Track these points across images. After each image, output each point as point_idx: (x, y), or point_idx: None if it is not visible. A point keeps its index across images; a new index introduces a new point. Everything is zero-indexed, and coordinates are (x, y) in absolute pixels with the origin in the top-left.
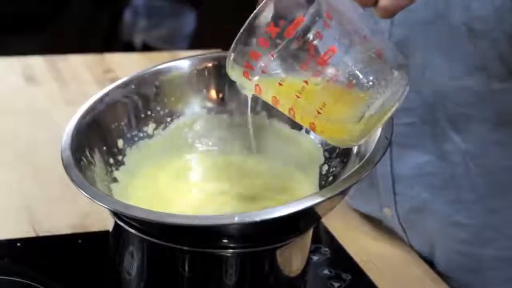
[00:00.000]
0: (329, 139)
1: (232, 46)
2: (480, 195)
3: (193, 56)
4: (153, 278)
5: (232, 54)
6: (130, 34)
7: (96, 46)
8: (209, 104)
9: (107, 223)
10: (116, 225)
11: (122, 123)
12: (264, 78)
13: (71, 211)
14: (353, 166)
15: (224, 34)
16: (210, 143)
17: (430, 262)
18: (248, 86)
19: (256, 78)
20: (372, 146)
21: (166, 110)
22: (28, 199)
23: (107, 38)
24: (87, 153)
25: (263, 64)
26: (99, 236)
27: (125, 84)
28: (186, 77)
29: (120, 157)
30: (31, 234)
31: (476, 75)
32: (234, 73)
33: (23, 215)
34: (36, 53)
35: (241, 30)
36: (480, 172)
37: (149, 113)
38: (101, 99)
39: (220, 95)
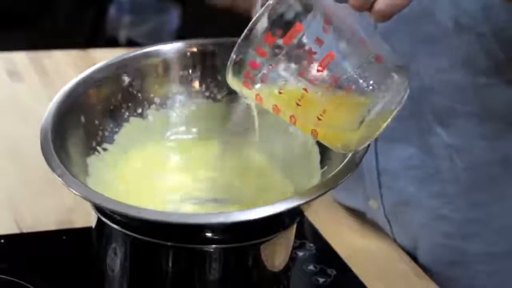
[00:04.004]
0: (331, 145)
1: (231, 56)
2: (465, 189)
3: (176, 41)
4: (137, 274)
5: (231, 65)
6: (115, 30)
7: (80, 42)
8: (193, 90)
9: (91, 219)
10: (99, 221)
11: (102, 110)
12: (264, 87)
13: (56, 207)
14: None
15: (209, 31)
16: (194, 130)
17: (414, 256)
18: (249, 96)
19: (256, 87)
20: None
21: (148, 96)
22: (12, 195)
23: (92, 34)
24: (67, 142)
25: (262, 73)
26: (84, 232)
27: (103, 70)
28: (169, 61)
29: (100, 145)
30: (15, 230)
31: (462, 69)
32: (234, 83)
33: (7, 212)
34: (20, 49)
35: (239, 40)
36: (465, 166)
37: (130, 99)
38: (78, 85)
39: (204, 81)
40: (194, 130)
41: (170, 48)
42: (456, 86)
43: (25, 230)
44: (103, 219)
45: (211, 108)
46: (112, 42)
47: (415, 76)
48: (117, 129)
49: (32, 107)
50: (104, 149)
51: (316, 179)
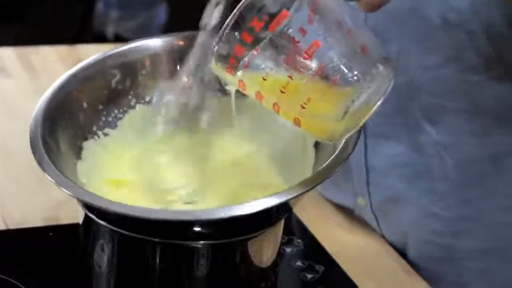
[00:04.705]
0: (314, 134)
1: (216, 41)
2: (455, 186)
3: (163, 35)
4: (124, 270)
5: (216, 50)
6: (103, 26)
7: (68, 38)
8: (180, 84)
9: (78, 215)
10: (86, 217)
11: (89, 106)
12: (248, 73)
13: (43, 204)
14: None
15: (196, 26)
16: (181, 124)
17: (402, 253)
18: (231, 82)
19: (239, 73)
20: None
21: (135, 90)
22: None
23: (80, 30)
24: (55, 139)
25: (246, 59)
26: (71, 229)
27: (91, 66)
28: (155, 56)
29: (79, 155)
30: (2, 227)
31: (451, 66)
32: (217, 68)
33: None
34: (8, 45)
35: (225, 25)
36: (455, 163)
37: (117, 93)
38: (65, 83)
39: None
40: (182, 124)
41: (156, 43)
42: (445, 83)
43: (11, 227)
44: (90, 215)
45: (200, 102)
46: (100, 38)
47: (404, 73)
48: (101, 128)
49: (19, 103)
50: (105, 134)
51: (308, 174)
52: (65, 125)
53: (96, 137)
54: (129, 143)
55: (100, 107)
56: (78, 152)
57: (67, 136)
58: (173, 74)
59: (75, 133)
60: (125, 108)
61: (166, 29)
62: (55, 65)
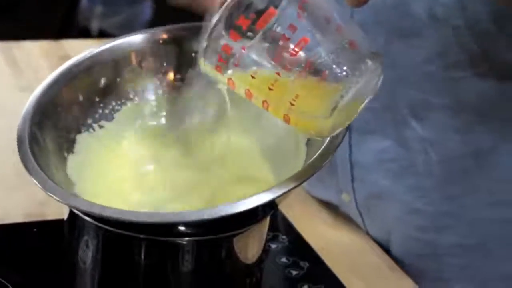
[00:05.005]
0: (303, 131)
1: (204, 40)
2: (439, 182)
3: (146, 30)
4: (109, 266)
5: (204, 49)
6: (87, 21)
7: (52, 33)
8: (167, 79)
9: (63, 211)
10: (71, 213)
11: (85, 98)
12: (237, 72)
13: (26, 199)
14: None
15: (180, 22)
16: (167, 120)
17: (386, 249)
18: (221, 80)
19: (228, 72)
20: None
21: (115, 90)
22: None
23: (64, 25)
24: (42, 138)
25: (235, 58)
26: (55, 225)
27: (76, 65)
28: (140, 51)
29: (73, 142)
30: None
31: (436, 62)
32: (207, 67)
33: None
34: None
35: (212, 24)
36: (439, 159)
37: (95, 97)
38: (52, 83)
39: (178, 70)
40: (169, 120)
41: (140, 38)
42: (431, 79)
43: None
44: (75, 211)
45: (187, 96)
46: (84, 33)
47: (390, 69)
48: (87, 126)
49: (2, 99)
50: (101, 126)
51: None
52: (58, 118)
53: (91, 130)
54: (123, 136)
55: (97, 99)
56: (70, 146)
57: (59, 129)
58: (166, 67)
59: (68, 126)
60: (123, 100)
61: (151, 25)
62: (39, 60)
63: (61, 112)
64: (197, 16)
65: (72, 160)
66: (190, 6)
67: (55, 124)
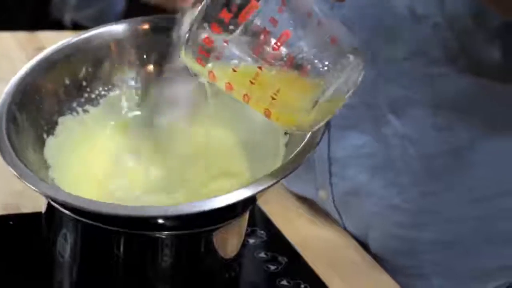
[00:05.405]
0: (284, 125)
1: (186, 33)
2: (417, 178)
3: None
4: (87, 260)
5: (186, 41)
6: (60, 13)
7: (24, 25)
8: (147, 70)
9: (40, 204)
10: (49, 206)
11: (72, 82)
12: (218, 65)
13: (3, 191)
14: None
15: (154, 14)
16: (149, 111)
17: (364, 245)
18: (201, 72)
19: (210, 64)
20: None
21: (101, 77)
22: None
23: (36, 17)
24: (21, 117)
25: (216, 50)
26: (32, 217)
27: (62, 50)
28: (120, 41)
29: (55, 123)
30: None
31: (416, 59)
32: (188, 60)
33: None
34: None
35: (194, 17)
36: (417, 156)
37: (82, 81)
38: (31, 71)
39: (158, 60)
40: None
41: (120, 28)
42: (410, 75)
43: None
44: (54, 204)
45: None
46: (56, 25)
47: (370, 65)
48: (67, 115)
49: None
50: (85, 111)
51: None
52: (41, 99)
53: (74, 113)
54: (106, 124)
55: (84, 83)
56: (52, 127)
57: (42, 110)
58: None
59: (51, 108)
60: (110, 87)
61: (124, 17)
62: (16, 51)
63: (45, 94)
64: (169, 12)
65: (51, 142)
66: (163, 4)
67: (38, 105)
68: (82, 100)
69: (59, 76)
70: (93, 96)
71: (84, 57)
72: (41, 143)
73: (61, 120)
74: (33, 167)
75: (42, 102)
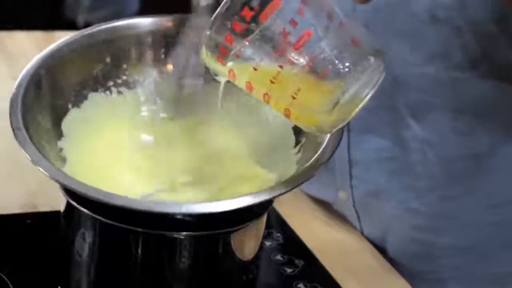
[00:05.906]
0: (304, 126)
1: (206, 31)
2: (436, 182)
3: (148, 16)
4: (105, 260)
5: (206, 39)
6: (73, 14)
7: (38, 25)
8: (165, 67)
9: (57, 202)
10: (68, 204)
11: (113, 61)
12: (238, 63)
13: (20, 190)
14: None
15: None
16: (164, 108)
17: (382, 249)
18: (221, 71)
19: (230, 63)
20: None
21: (119, 71)
22: None
23: (50, 18)
24: (36, 120)
25: (237, 49)
26: (49, 216)
27: (72, 43)
28: (141, 36)
29: (84, 97)
30: None
31: (437, 63)
32: (207, 57)
33: None
34: None
35: (215, 14)
36: (437, 160)
37: (99, 74)
38: (71, 42)
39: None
40: (165, 108)
41: (142, 23)
42: (430, 79)
43: None
44: (73, 202)
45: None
46: (70, 26)
47: (390, 69)
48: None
49: None
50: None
51: (292, 168)
52: (75, 70)
53: (108, 92)
54: (135, 111)
55: (124, 66)
56: (80, 100)
57: (72, 81)
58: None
59: (84, 82)
60: (146, 76)
61: None
62: (33, 50)
63: (81, 66)
64: (183, 10)
65: (75, 114)
66: None
67: (69, 75)
68: (119, 81)
69: (100, 53)
70: (130, 80)
71: (128, 40)
72: (62, 112)
73: (91, 95)
74: (41, 132)
75: (76, 74)
